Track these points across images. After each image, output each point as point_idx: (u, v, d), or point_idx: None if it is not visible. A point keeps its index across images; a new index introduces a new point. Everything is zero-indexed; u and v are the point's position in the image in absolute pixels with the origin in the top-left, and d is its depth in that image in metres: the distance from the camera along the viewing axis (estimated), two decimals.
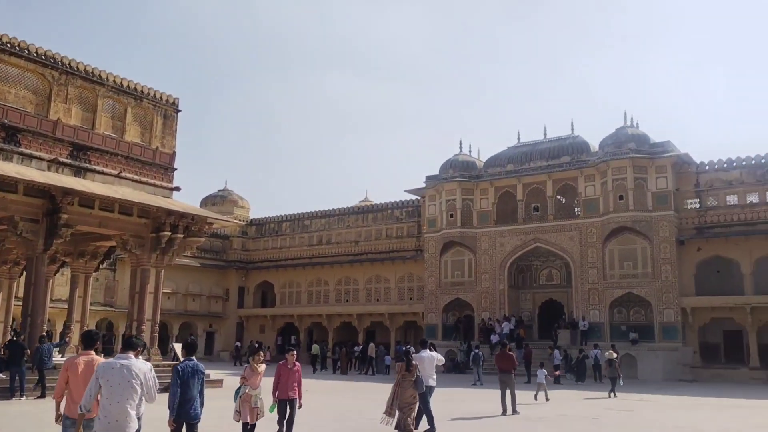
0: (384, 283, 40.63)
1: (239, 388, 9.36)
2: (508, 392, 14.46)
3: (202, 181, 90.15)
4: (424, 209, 38.44)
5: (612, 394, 19.54)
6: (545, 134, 36.01)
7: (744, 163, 30.33)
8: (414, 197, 40.23)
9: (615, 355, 21.53)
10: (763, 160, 29.86)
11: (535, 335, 34.59)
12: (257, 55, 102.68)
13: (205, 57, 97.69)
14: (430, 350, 11.95)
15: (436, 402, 17.17)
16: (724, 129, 75.23)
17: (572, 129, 35.22)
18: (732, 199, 30.29)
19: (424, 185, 38.08)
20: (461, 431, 11.93)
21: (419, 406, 10.55)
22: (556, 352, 27.27)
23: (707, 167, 31.17)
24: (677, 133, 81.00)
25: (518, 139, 37.03)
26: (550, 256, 34.58)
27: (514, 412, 14.26)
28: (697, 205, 31.07)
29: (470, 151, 38.00)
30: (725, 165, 30.79)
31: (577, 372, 27.45)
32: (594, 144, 33.52)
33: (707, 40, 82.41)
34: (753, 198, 29.82)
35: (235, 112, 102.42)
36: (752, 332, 28.53)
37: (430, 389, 11.33)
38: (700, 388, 24.27)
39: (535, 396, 18.05)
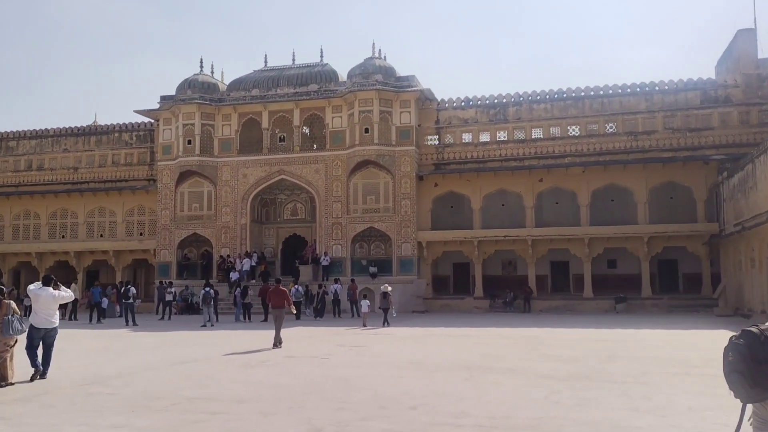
0: (110, 216, 35.54)
1: None
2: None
3: None
4: (158, 134, 34.06)
5: (386, 324, 21.02)
6: (294, 60, 33.82)
7: (479, 102, 31.53)
8: (147, 120, 35.44)
9: (389, 288, 22.44)
10: (495, 101, 31.30)
11: (278, 272, 32.99)
12: None
13: None
14: (56, 287, 10.03)
15: (147, 347, 14.67)
16: (464, 67, 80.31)
17: (321, 56, 33.54)
18: (467, 137, 31.42)
19: (158, 106, 33.58)
20: (170, 375, 9.42)
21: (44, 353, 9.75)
22: (297, 287, 25.94)
23: (447, 105, 31.85)
24: (422, 68, 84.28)
25: (265, 63, 34.31)
26: (296, 189, 33.01)
27: (275, 345, 14.28)
28: (436, 142, 31.73)
29: (212, 72, 34.31)
30: (462, 104, 31.73)
31: (318, 309, 26.51)
32: (343, 74, 32.26)
33: None
34: (485, 137, 31.22)
35: None
36: (478, 264, 30.27)
37: (50, 332, 9.80)
38: (431, 319, 24.88)
39: (364, 323, 21.10)
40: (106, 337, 17.90)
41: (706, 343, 14.85)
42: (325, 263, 30.21)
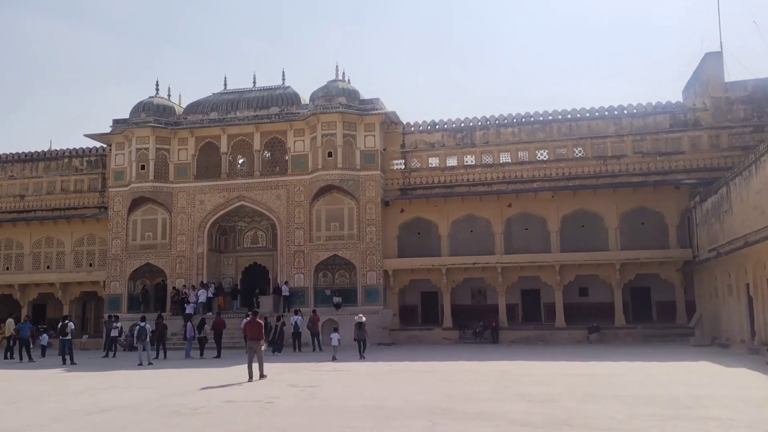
0: (57, 246, 33.42)
1: None
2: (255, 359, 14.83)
3: None
4: (111, 159, 32.30)
5: (362, 357, 20.56)
6: (254, 83, 32.57)
7: (446, 126, 30.60)
8: (99, 144, 33.70)
9: (364, 318, 21.95)
10: (462, 125, 30.41)
11: (237, 303, 31.32)
12: None
13: None
14: None
15: (71, 391, 12.48)
16: (430, 92, 79.54)
17: (283, 79, 32.33)
18: (434, 162, 30.39)
19: (110, 130, 31.92)
20: (79, 429, 7.82)
21: None
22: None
23: (413, 128, 30.85)
24: (387, 92, 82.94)
25: (225, 85, 33.01)
26: (256, 216, 31.49)
27: (261, 376, 14.64)
28: (402, 166, 30.63)
29: (169, 95, 32.85)
30: (429, 127, 30.76)
31: (276, 342, 24.81)
32: (305, 97, 31.12)
33: (415, 15, 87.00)
34: (452, 161, 30.24)
35: None
36: (447, 293, 28.99)
37: None
38: (397, 352, 23.48)
39: (333, 357, 20.36)
40: (32, 379, 16.04)
41: (691, 378, 13.72)
42: (285, 293, 28.63)
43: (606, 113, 29.16)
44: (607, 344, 25.33)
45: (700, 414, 8.86)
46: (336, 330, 22.12)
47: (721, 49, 28.53)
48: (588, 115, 29.33)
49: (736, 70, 51.48)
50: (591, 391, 11.67)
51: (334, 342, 21.12)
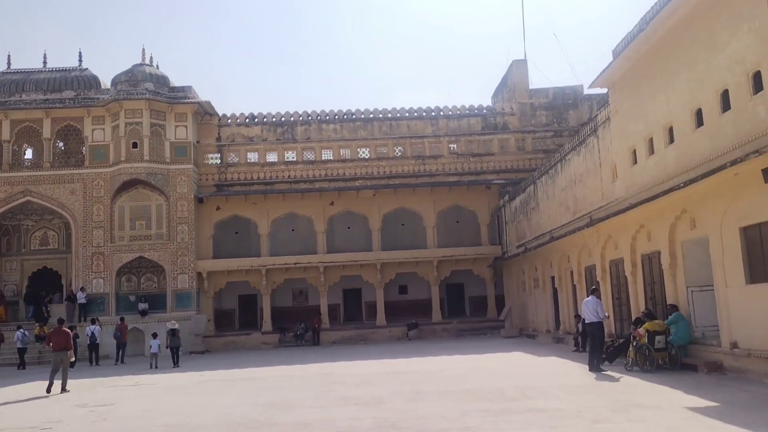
0: None
1: None
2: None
3: None
4: None
5: (176, 365, 19.57)
6: (45, 63, 28.67)
7: (266, 120, 29.29)
8: None
9: (177, 324, 21.09)
10: (283, 119, 29.29)
11: (21, 313, 27.30)
12: None
13: None
14: None
15: None
16: (249, 83, 76.44)
17: (80, 61, 28.85)
18: (253, 157, 28.90)
19: None
20: None
21: None
22: (19, 332, 21.46)
23: (230, 121, 29.13)
24: (204, 85, 78.03)
25: (8, 64, 28.76)
26: (46, 213, 27.72)
27: (63, 390, 13.68)
28: (218, 161, 28.76)
29: None
30: (247, 120, 29.25)
31: None
32: (107, 82, 28.03)
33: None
34: (272, 157, 28.98)
35: None
36: (267, 295, 27.65)
37: None
38: (212, 360, 21.73)
39: (151, 365, 19.31)
40: None
41: (510, 369, 13.93)
42: (81, 301, 25.37)
43: (424, 114, 29.77)
44: (426, 340, 25.72)
45: (528, 406, 8.66)
46: (155, 336, 20.58)
47: (526, 57, 30.59)
48: (407, 115, 29.74)
49: (539, 79, 55.91)
50: (417, 388, 11.20)
51: (154, 349, 19.89)
